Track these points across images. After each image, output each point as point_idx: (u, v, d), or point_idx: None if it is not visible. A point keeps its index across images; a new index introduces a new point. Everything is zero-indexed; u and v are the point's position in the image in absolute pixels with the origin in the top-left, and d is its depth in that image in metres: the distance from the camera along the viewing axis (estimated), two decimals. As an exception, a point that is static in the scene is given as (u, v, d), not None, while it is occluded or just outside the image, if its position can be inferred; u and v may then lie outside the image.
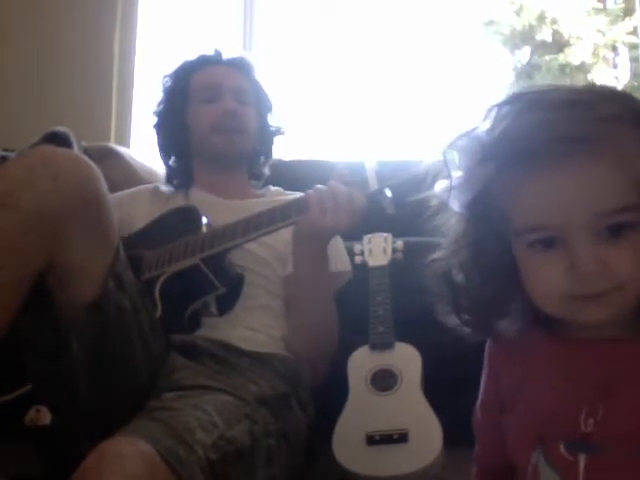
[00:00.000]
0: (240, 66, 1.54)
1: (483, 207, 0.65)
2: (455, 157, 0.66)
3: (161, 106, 1.53)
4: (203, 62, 1.53)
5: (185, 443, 0.84)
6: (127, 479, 0.76)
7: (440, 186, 0.68)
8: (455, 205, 0.67)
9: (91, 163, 1.00)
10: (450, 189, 0.66)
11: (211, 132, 1.45)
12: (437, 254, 0.70)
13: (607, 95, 0.63)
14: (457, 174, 0.66)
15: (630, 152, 0.59)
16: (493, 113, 0.65)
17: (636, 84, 5.77)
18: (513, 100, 0.65)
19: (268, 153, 1.59)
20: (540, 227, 0.61)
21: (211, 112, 1.45)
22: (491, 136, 0.63)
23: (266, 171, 1.59)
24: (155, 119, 1.54)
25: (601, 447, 0.62)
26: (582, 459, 0.63)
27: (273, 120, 1.57)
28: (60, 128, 1.56)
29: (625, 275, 0.59)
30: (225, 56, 1.55)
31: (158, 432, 0.84)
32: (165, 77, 1.55)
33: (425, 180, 0.72)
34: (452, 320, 0.71)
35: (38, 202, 0.91)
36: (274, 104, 1.57)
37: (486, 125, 0.64)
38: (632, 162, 0.59)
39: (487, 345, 0.77)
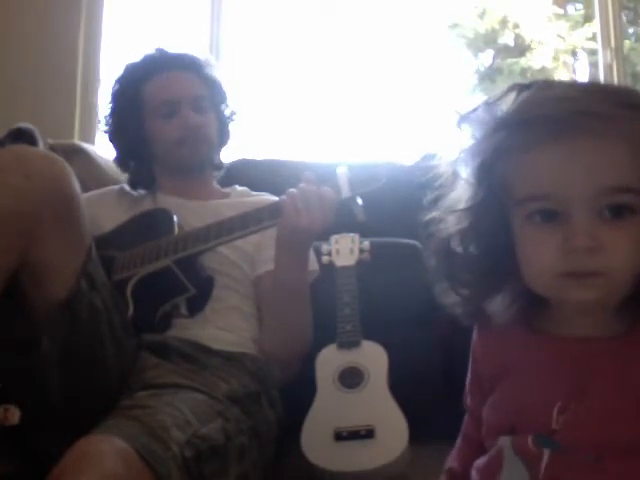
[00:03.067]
0: (190, 66, 1.49)
1: (489, 174, 0.66)
2: (467, 129, 0.68)
3: (113, 115, 1.49)
4: (151, 69, 1.48)
5: (161, 441, 0.86)
6: (106, 477, 0.78)
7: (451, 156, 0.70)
8: (463, 171, 0.69)
9: (64, 163, 1.01)
10: (461, 153, 0.68)
11: (176, 145, 1.44)
12: (439, 223, 0.71)
13: (628, 89, 0.65)
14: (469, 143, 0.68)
15: None
16: (512, 94, 0.66)
17: (594, 89, 5.90)
18: (534, 83, 0.67)
19: (226, 140, 1.58)
20: (543, 196, 0.63)
21: (173, 127, 1.43)
22: (507, 109, 0.65)
23: (222, 160, 1.59)
24: (108, 128, 1.50)
25: (564, 446, 0.64)
26: (546, 454, 0.65)
27: (227, 109, 1.56)
28: (25, 125, 1.55)
29: (615, 260, 0.61)
30: (171, 54, 1.50)
31: (134, 430, 0.86)
32: (114, 83, 1.50)
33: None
34: (449, 299, 0.72)
35: (12, 202, 0.92)
36: (227, 91, 1.55)
37: (503, 102, 0.66)
38: None
39: (473, 338, 0.79)
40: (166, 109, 1.45)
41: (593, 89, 0.65)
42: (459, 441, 0.84)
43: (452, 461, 0.83)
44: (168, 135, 1.44)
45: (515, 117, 0.64)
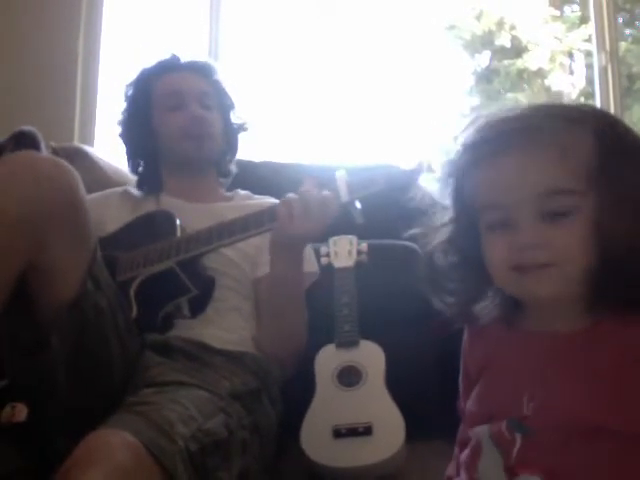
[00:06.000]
0: (200, 70, 1.56)
1: (460, 193, 0.76)
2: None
3: (125, 115, 1.55)
4: (163, 69, 1.54)
5: (166, 435, 0.88)
6: (116, 470, 0.80)
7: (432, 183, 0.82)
8: (443, 191, 0.79)
9: (72, 168, 1.03)
10: (443, 181, 0.79)
11: (181, 139, 1.48)
12: (423, 238, 0.81)
13: (577, 106, 0.74)
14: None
15: (578, 149, 0.69)
16: (475, 122, 0.76)
17: (590, 90, 5.94)
18: (495, 111, 0.76)
19: (234, 150, 1.62)
20: (493, 204, 0.72)
21: (179, 119, 1.48)
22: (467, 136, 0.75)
23: (233, 168, 1.63)
24: (120, 128, 1.55)
25: (534, 431, 0.70)
26: (518, 439, 0.70)
27: (236, 118, 1.60)
28: (28, 128, 1.57)
29: (561, 250, 0.68)
30: (184, 60, 1.56)
31: (140, 425, 0.88)
32: (127, 86, 1.56)
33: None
34: (443, 305, 0.80)
35: (21, 207, 0.94)
36: (236, 101, 1.60)
37: (468, 130, 0.76)
38: (578, 157, 0.68)
39: (464, 337, 0.86)
40: (173, 101, 1.49)
41: (539, 107, 0.74)
42: (455, 450, 0.87)
43: (450, 471, 0.86)
44: (173, 127, 1.48)
45: (467, 140, 0.75)
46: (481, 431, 0.75)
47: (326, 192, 1.21)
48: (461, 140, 0.76)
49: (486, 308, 0.79)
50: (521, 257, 0.69)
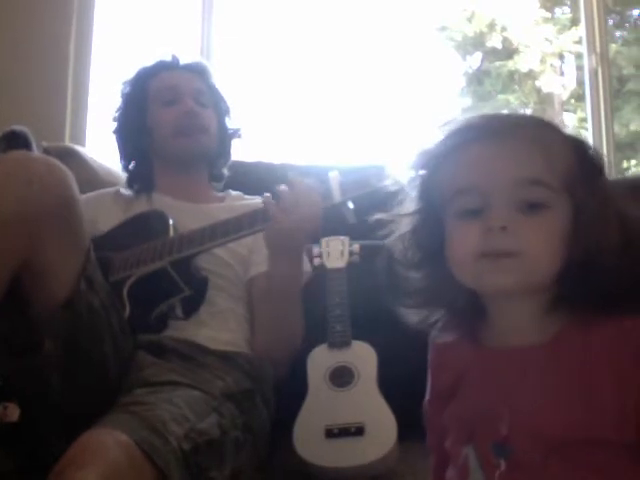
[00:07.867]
0: (197, 70, 1.57)
1: (431, 186, 0.75)
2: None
3: (120, 112, 1.55)
4: (160, 67, 1.55)
5: (159, 434, 0.89)
6: (109, 468, 0.81)
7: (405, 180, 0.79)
8: (411, 188, 0.77)
9: (64, 168, 1.03)
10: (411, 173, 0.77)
11: (174, 134, 1.47)
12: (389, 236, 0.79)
13: (548, 120, 0.75)
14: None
15: (554, 151, 0.70)
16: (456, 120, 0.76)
17: (581, 92, 5.97)
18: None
19: (227, 155, 1.62)
20: (469, 188, 0.71)
21: (172, 114, 1.48)
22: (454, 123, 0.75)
23: (226, 172, 1.63)
24: (114, 125, 1.55)
25: (516, 449, 0.68)
26: (502, 463, 0.69)
27: (231, 122, 1.60)
28: (19, 127, 1.57)
29: (528, 243, 0.67)
30: (182, 61, 1.57)
31: (134, 424, 0.89)
32: (123, 83, 1.57)
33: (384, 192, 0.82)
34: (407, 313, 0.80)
35: (14, 207, 0.95)
36: (231, 107, 1.61)
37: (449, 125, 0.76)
38: (554, 156, 0.70)
39: (429, 350, 0.84)
40: (167, 96, 1.50)
41: (518, 114, 0.79)
42: (431, 460, 0.86)
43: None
44: (168, 122, 1.48)
45: (451, 127, 0.74)
46: (467, 452, 0.73)
47: (310, 183, 1.21)
48: (439, 134, 0.75)
49: (450, 323, 0.78)
50: (487, 242, 0.68)
